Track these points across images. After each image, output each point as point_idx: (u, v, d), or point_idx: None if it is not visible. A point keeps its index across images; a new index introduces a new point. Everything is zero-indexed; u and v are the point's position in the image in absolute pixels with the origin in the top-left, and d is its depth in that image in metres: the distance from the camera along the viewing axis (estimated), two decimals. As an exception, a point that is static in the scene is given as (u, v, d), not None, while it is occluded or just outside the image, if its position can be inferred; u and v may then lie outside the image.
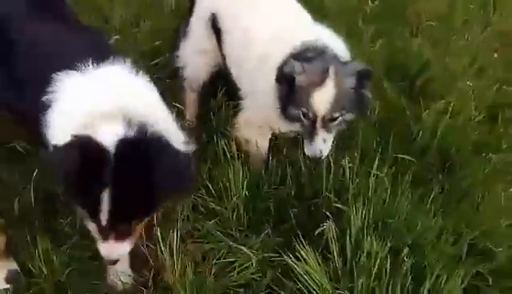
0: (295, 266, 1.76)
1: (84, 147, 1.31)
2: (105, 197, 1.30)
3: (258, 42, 1.97)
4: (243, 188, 2.00)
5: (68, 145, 1.32)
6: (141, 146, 1.34)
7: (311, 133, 1.88)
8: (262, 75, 1.94)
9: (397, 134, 2.40)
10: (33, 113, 1.56)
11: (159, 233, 1.81)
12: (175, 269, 1.79)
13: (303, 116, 1.88)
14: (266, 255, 1.86)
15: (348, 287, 1.77)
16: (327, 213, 1.85)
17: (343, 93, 1.84)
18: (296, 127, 2.03)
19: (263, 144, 2.15)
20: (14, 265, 1.62)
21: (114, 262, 1.54)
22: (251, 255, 1.84)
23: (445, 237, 1.88)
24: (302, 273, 1.77)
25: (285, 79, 1.87)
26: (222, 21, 2.10)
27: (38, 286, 1.76)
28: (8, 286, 1.61)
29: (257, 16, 2.03)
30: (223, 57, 2.18)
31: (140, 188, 1.32)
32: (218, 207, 2.01)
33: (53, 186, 1.83)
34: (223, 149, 2.05)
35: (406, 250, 1.80)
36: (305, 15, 2.08)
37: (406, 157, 2.22)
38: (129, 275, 1.86)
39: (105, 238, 1.43)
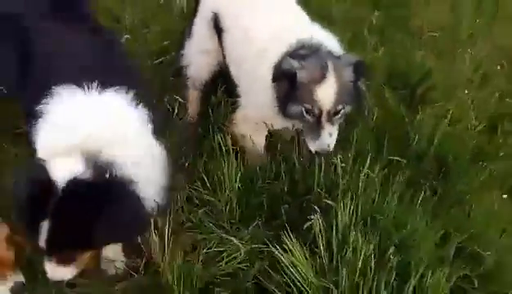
0: (281, 258, 1.79)
1: (35, 176, 1.35)
2: (45, 226, 1.34)
3: (258, 41, 2.03)
4: (236, 181, 2.04)
5: (22, 170, 1.41)
6: (91, 188, 1.34)
7: (317, 128, 1.93)
8: (260, 73, 2.00)
9: (393, 138, 2.44)
10: (29, 117, 1.59)
11: (152, 222, 1.86)
12: (165, 256, 1.84)
13: (307, 112, 1.92)
14: (254, 246, 1.89)
15: (333, 281, 1.80)
16: (316, 207, 1.88)
17: (344, 86, 1.91)
18: (293, 124, 2.09)
19: (259, 140, 2.20)
20: (20, 278, 1.69)
21: (61, 282, 1.55)
22: (240, 245, 1.88)
23: (432, 237, 1.88)
24: (288, 265, 1.80)
25: (284, 77, 1.92)
26: (224, 20, 2.18)
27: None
28: None
29: (257, 16, 2.10)
30: (224, 56, 2.25)
31: (76, 226, 1.33)
32: (212, 199, 2.06)
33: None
34: (219, 143, 2.10)
35: (392, 248, 1.81)
36: (303, 16, 2.15)
37: (399, 159, 2.24)
38: (121, 261, 1.92)
39: (48, 259, 1.45)
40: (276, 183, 2.14)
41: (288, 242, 1.82)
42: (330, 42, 2.00)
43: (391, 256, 1.80)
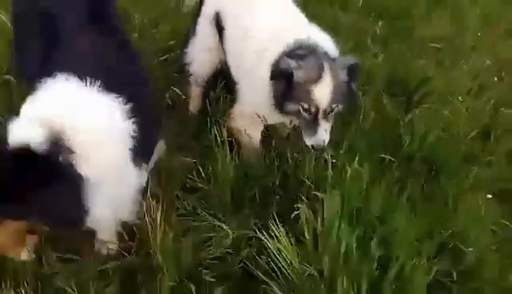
0: (268, 243, 1.87)
1: None
2: None
3: (257, 41, 2.14)
4: (230, 173, 2.14)
5: None
6: (36, 160, 1.39)
7: (313, 125, 2.05)
8: (258, 71, 2.11)
9: (387, 139, 2.53)
10: None
11: (144, 208, 1.94)
12: (157, 239, 1.93)
13: (304, 110, 2.03)
14: (243, 232, 1.98)
15: (317, 269, 1.87)
16: (303, 198, 1.96)
17: (339, 86, 2.03)
18: (290, 120, 2.20)
19: (255, 134, 2.30)
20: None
21: None
22: (229, 231, 1.97)
23: (413, 232, 1.94)
24: (274, 251, 1.88)
25: (281, 76, 2.03)
26: (225, 20, 2.29)
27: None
28: None
29: (256, 16, 2.21)
30: (225, 54, 2.37)
31: (6, 188, 1.37)
32: (206, 187, 2.15)
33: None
34: (215, 135, 2.20)
35: (375, 239, 1.88)
36: (301, 17, 2.26)
37: (390, 158, 2.31)
38: (115, 243, 2.01)
39: None
40: (268, 177, 2.23)
41: (275, 229, 1.90)
42: (326, 43, 2.11)
43: (373, 248, 1.87)
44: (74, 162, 1.46)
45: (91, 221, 1.57)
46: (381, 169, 2.27)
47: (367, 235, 1.92)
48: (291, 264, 1.88)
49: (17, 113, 1.60)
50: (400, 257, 1.84)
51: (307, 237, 1.92)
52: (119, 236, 2.00)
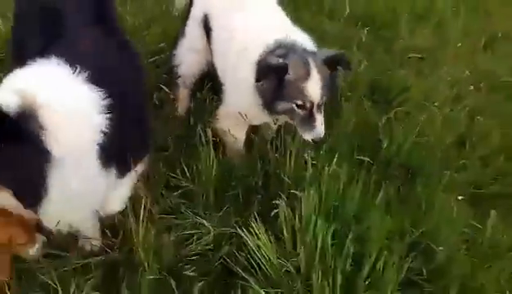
0: (247, 239, 1.94)
1: None
2: None
3: (239, 41, 2.22)
4: (212, 172, 2.21)
5: None
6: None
7: (309, 120, 2.11)
8: (240, 71, 2.18)
9: (366, 142, 2.63)
10: None
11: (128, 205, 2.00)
12: (139, 235, 1.98)
13: (298, 107, 2.09)
14: (223, 229, 2.04)
15: (294, 265, 1.94)
16: (283, 196, 2.04)
17: (325, 78, 2.10)
18: (274, 121, 2.28)
19: (239, 135, 2.38)
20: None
21: None
22: (210, 228, 2.04)
23: (385, 230, 2.03)
24: (253, 247, 1.95)
25: (273, 73, 2.07)
26: (212, 21, 2.37)
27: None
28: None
29: (239, 16, 2.28)
30: (212, 55, 2.45)
31: None
32: (190, 185, 2.22)
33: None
34: (200, 135, 2.27)
35: (350, 237, 1.96)
36: (282, 17, 2.35)
37: (369, 160, 2.41)
38: (98, 239, 2.04)
39: None
40: (251, 177, 2.31)
41: (255, 227, 1.97)
42: (304, 41, 2.18)
43: (348, 245, 1.95)
44: (42, 136, 1.48)
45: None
46: (359, 171, 2.35)
47: (343, 233, 2.00)
48: (269, 260, 1.95)
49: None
50: (372, 254, 1.93)
51: (286, 234, 1.99)
52: (102, 233, 2.04)
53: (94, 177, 1.68)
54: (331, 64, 2.13)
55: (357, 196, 2.11)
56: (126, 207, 2.01)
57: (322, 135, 2.13)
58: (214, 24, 2.37)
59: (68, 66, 1.70)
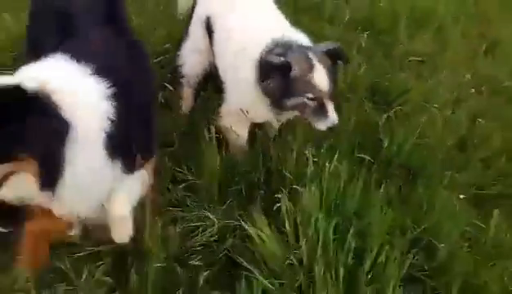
0: (250, 231, 1.98)
1: None
2: None
3: (237, 41, 2.27)
4: (216, 167, 2.26)
5: None
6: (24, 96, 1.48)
7: (322, 110, 2.16)
8: (240, 71, 2.24)
9: (367, 142, 2.67)
10: None
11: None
12: (147, 227, 2.02)
13: (309, 100, 2.13)
14: (227, 221, 2.08)
15: (297, 258, 1.98)
16: (284, 191, 2.08)
17: (328, 69, 2.16)
18: (276, 118, 2.32)
19: (242, 132, 2.43)
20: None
21: None
22: (215, 220, 2.08)
23: (386, 226, 2.06)
24: (256, 238, 1.99)
25: (277, 71, 2.11)
26: (215, 23, 2.44)
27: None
28: None
29: (238, 17, 2.35)
30: (213, 55, 2.51)
31: None
32: (195, 179, 2.28)
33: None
34: (203, 132, 2.32)
35: (351, 231, 1.99)
36: (279, 16, 2.41)
37: (369, 159, 2.45)
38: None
39: None
40: (254, 173, 2.35)
41: (258, 220, 2.01)
42: (300, 38, 2.25)
43: (350, 240, 1.98)
44: (61, 112, 1.54)
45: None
46: (360, 169, 2.38)
47: (344, 228, 2.04)
48: (273, 252, 1.98)
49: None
50: (374, 249, 1.96)
51: (288, 228, 2.03)
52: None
53: (101, 165, 1.71)
54: (331, 57, 2.19)
55: (357, 193, 2.15)
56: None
57: (336, 121, 2.18)
58: (215, 26, 2.43)
59: (76, 61, 1.76)
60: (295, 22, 2.50)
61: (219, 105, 2.47)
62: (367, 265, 1.94)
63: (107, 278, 1.87)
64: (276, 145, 2.41)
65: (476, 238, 2.35)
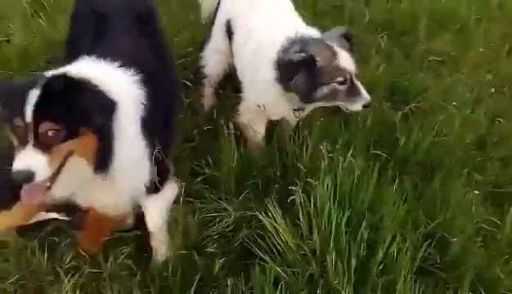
0: (265, 222, 2.06)
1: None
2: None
3: (255, 40, 2.37)
4: (233, 162, 2.36)
5: None
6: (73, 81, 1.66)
7: (353, 91, 2.23)
8: (258, 70, 2.33)
9: (384, 140, 2.71)
10: None
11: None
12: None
13: (340, 84, 2.20)
14: (243, 212, 2.18)
15: (310, 249, 2.05)
16: (299, 183, 2.16)
17: (349, 50, 2.25)
18: (292, 114, 2.40)
19: (259, 129, 2.52)
20: None
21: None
22: (231, 211, 2.18)
23: (399, 219, 2.10)
24: (271, 230, 2.07)
25: (302, 67, 2.16)
26: (235, 25, 2.55)
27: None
28: None
29: (256, 18, 2.45)
30: (232, 56, 2.62)
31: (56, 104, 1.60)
32: (215, 173, 2.39)
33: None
34: (222, 128, 2.43)
35: (364, 223, 2.05)
36: (296, 18, 2.50)
37: (386, 156, 2.49)
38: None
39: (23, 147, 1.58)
40: (270, 168, 2.44)
41: (272, 211, 2.09)
42: (313, 32, 2.33)
43: (363, 231, 2.04)
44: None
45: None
46: (375, 164, 2.42)
47: (357, 221, 2.09)
48: (286, 243, 2.06)
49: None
50: (386, 241, 2.00)
51: (302, 219, 2.10)
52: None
53: (139, 148, 1.84)
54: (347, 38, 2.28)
55: (371, 187, 2.20)
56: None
57: (369, 98, 2.24)
58: (235, 27, 2.54)
59: (104, 60, 1.91)
60: (316, 24, 2.57)
61: (238, 104, 2.58)
62: (379, 256, 1.99)
63: (129, 262, 1.99)
64: (292, 141, 2.49)
65: (491, 235, 2.35)
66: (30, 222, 2.10)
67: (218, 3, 2.78)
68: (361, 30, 3.85)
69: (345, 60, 2.20)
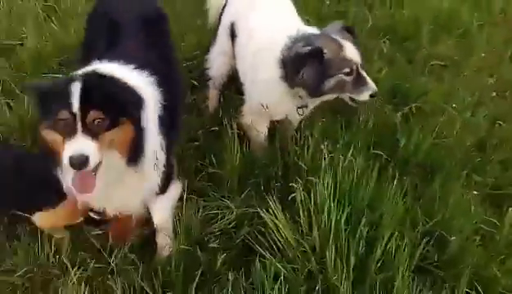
0: (266, 218, 2.12)
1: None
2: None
3: (256, 41, 2.43)
4: (236, 161, 2.42)
5: None
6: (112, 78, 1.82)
7: (360, 81, 2.28)
8: (260, 69, 2.39)
9: (385, 141, 2.76)
10: None
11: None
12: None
13: (347, 75, 2.25)
14: (245, 209, 2.23)
15: (310, 245, 2.09)
16: (300, 181, 2.21)
17: (353, 42, 2.30)
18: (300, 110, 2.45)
19: (262, 129, 2.58)
20: None
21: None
22: (233, 208, 2.23)
23: (398, 217, 2.14)
24: (272, 227, 2.12)
25: (311, 62, 2.20)
26: (237, 27, 2.62)
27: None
28: None
29: (257, 20, 2.52)
30: (235, 59, 2.69)
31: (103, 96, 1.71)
32: (218, 171, 2.46)
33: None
34: (226, 127, 2.50)
35: (363, 221, 2.09)
36: (294, 15, 2.58)
37: (386, 157, 2.54)
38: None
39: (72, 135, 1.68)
40: (272, 167, 2.50)
41: (272, 206, 2.15)
42: (313, 29, 2.40)
43: (362, 228, 2.08)
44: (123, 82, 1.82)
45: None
46: (375, 164, 2.47)
47: (356, 219, 2.14)
48: (287, 239, 2.11)
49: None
50: (384, 238, 2.05)
51: (302, 216, 2.15)
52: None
53: (158, 149, 1.93)
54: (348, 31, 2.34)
55: (371, 185, 2.25)
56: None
57: (375, 87, 2.30)
58: (239, 31, 2.61)
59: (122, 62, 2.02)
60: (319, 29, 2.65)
61: (241, 105, 2.65)
62: (378, 253, 2.03)
63: (133, 256, 2.05)
64: (293, 141, 2.54)
65: (490, 236, 2.38)
66: (73, 223, 2.18)
67: (223, 8, 2.87)
68: (363, 35, 3.91)
69: (351, 52, 2.25)
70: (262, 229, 2.20)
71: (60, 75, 2.50)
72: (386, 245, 2.06)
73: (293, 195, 2.22)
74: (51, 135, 1.70)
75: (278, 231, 2.13)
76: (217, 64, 2.89)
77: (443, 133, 2.91)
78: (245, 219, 2.25)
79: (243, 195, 2.34)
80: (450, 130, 2.95)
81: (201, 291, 2.02)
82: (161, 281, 2.01)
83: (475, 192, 2.50)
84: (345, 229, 2.10)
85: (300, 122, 2.65)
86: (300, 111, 2.45)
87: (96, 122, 1.66)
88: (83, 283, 1.96)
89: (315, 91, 2.29)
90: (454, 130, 2.94)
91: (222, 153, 2.51)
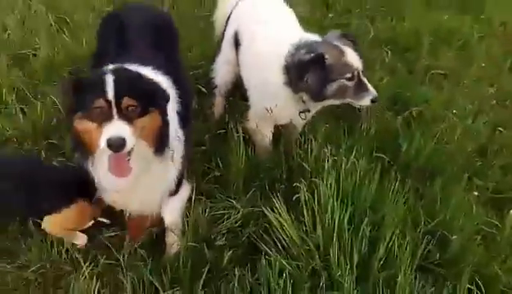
0: (271, 217, 2.18)
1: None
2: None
3: (259, 50, 2.52)
4: (242, 163, 2.50)
5: None
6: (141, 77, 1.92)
7: (361, 86, 2.35)
8: (266, 76, 2.48)
9: (387, 146, 2.83)
10: None
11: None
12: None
13: (348, 80, 2.32)
14: (250, 208, 2.30)
15: (314, 243, 2.15)
16: (304, 182, 2.28)
17: (354, 48, 2.38)
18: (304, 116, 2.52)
19: (266, 132, 2.66)
20: None
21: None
22: (239, 207, 2.30)
23: (400, 217, 2.20)
24: (277, 226, 2.18)
25: (313, 68, 2.28)
26: (240, 36, 2.72)
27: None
28: None
29: (260, 29, 2.60)
30: (239, 66, 2.78)
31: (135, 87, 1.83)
32: (224, 174, 2.54)
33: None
34: (231, 131, 2.58)
35: (366, 220, 2.15)
36: (294, 23, 2.68)
37: (388, 160, 2.60)
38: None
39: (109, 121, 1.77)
40: (276, 170, 2.57)
41: (277, 206, 2.21)
42: (314, 37, 2.48)
43: (364, 227, 2.14)
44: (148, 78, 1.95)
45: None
46: (377, 167, 2.53)
47: (359, 219, 2.19)
48: (291, 237, 2.17)
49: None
50: (387, 237, 2.10)
51: (306, 215, 2.21)
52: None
53: (178, 144, 2.03)
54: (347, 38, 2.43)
55: (373, 186, 2.31)
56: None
57: (376, 93, 2.36)
58: (243, 39, 2.70)
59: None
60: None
61: (246, 110, 2.73)
62: (380, 252, 2.08)
63: (142, 250, 2.11)
64: (297, 145, 2.62)
65: (491, 237, 2.42)
66: (85, 227, 2.27)
67: (227, 19, 2.98)
68: (365, 46, 4.01)
69: (352, 57, 2.34)
70: (268, 228, 2.27)
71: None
72: (388, 244, 2.11)
73: (297, 195, 2.28)
74: (85, 125, 1.79)
75: (283, 229, 2.20)
76: (222, 72, 3.00)
77: (444, 139, 2.99)
78: (251, 218, 2.32)
79: (248, 195, 2.40)
80: (451, 136, 3.02)
81: (208, 287, 2.07)
82: (169, 277, 2.06)
83: (475, 193, 2.55)
84: (348, 229, 2.15)
85: (304, 126, 2.73)
86: (303, 115, 2.53)
87: (129, 108, 1.77)
88: (94, 278, 2.03)
89: (318, 95, 2.37)
90: (455, 136, 3.01)
91: (228, 156, 2.59)
